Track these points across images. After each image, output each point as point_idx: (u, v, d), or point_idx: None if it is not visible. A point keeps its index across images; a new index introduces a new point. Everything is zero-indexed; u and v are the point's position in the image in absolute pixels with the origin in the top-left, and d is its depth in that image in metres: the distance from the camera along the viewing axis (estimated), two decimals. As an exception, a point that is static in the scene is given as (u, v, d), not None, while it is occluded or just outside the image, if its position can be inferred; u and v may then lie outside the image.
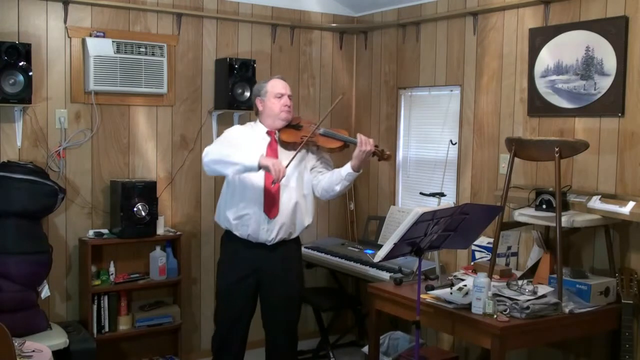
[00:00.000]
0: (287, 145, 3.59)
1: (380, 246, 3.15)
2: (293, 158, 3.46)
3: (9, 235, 3.79)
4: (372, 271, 4.30)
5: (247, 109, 4.54)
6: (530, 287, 3.27)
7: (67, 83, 4.21)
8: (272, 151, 3.58)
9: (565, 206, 3.46)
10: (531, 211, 3.53)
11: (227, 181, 3.62)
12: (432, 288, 3.50)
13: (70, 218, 4.29)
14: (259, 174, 3.47)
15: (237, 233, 3.58)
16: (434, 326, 3.58)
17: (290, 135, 3.61)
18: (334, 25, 5.20)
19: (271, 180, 3.36)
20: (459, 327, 3.24)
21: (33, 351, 2.89)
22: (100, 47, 4.18)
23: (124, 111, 4.42)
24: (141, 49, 4.29)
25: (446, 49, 4.51)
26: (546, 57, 3.82)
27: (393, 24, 4.92)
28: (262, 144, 3.60)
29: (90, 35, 4.21)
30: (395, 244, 2.94)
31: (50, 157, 4.17)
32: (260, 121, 3.69)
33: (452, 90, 4.50)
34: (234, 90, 4.51)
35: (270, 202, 3.50)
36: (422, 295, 3.22)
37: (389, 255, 3.01)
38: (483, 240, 4.03)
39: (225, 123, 4.65)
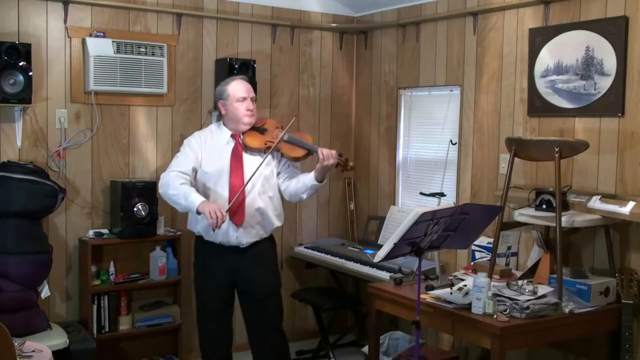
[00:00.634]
0: (252, 151, 3.58)
1: (380, 246, 3.15)
2: (257, 169, 3.46)
3: (9, 235, 3.79)
4: (372, 271, 4.30)
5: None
6: (530, 287, 3.27)
7: (67, 83, 4.21)
8: (236, 158, 3.55)
9: (565, 206, 3.45)
10: (531, 211, 3.53)
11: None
12: (432, 288, 3.50)
13: (70, 218, 4.29)
14: (222, 183, 3.49)
15: (208, 239, 3.60)
16: (434, 326, 3.58)
17: (254, 140, 3.59)
18: (334, 25, 5.20)
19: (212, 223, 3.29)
20: (459, 327, 3.24)
21: (33, 351, 2.89)
22: (100, 47, 4.18)
23: (124, 111, 4.42)
24: (141, 49, 4.29)
25: (446, 49, 4.51)
26: (546, 57, 3.82)
27: (393, 24, 4.92)
28: (226, 148, 3.58)
29: (90, 35, 4.21)
30: (395, 244, 2.94)
31: (50, 157, 4.17)
32: (224, 123, 3.66)
33: (452, 90, 4.50)
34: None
35: (236, 209, 3.47)
36: (422, 295, 3.22)
37: (389, 255, 3.01)
38: (483, 240, 4.03)
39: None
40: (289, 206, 4.57)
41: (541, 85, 3.85)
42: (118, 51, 4.21)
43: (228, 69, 4.50)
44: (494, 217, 3.34)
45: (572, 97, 3.69)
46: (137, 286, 4.37)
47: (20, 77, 3.87)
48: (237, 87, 3.59)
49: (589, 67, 3.60)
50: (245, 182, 3.47)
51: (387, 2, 4.89)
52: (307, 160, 3.72)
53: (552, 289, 3.28)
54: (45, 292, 3.96)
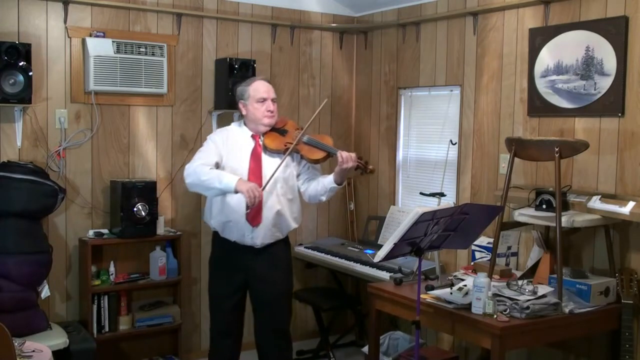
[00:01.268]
0: (271, 152, 3.57)
1: (380, 246, 3.15)
2: (277, 170, 3.45)
3: (9, 235, 3.79)
4: (372, 271, 4.30)
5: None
6: (530, 287, 3.27)
7: (67, 83, 4.21)
8: (255, 158, 3.55)
9: (565, 206, 3.45)
10: (531, 211, 3.53)
11: None
12: (432, 288, 3.50)
13: (70, 218, 4.29)
14: (240, 177, 3.46)
15: (224, 236, 3.60)
16: (434, 326, 3.58)
17: (274, 142, 3.57)
18: (334, 25, 5.20)
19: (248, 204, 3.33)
20: (459, 327, 3.24)
21: (33, 351, 2.89)
22: (100, 47, 4.18)
23: (124, 111, 4.42)
24: (141, 49, 4.29)
25: (446, 49, 4.51)
26: (546, 57, 3.82)
27: (393, 24, 4.92)
28: (246, 149, 3.57)
29: (90, 35, 4.21)
30: (395, 244, 2.94)
31: (50, 157, 4.17)
32: (244, 124, 3.66)
33: (452, 90, 4.50)
34: (234, 90, 4.50)
35: (254, 210, 3.45)
36: (422, 295, 3.22)
37: (389, 255, 3.01)
38: (483, 240, 4.03)
39: (225, 123, 4.61)
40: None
41: (541, 85, 3.85)
42: (118, 51, 4.21)
43: (228, 69, 4.50)
44: (494, 217, 3.34)
45: (572, 97, 3.69)
46: (137, 286, 4.37)
47: (20, 77, 3.87)
48: (258, 88, 3.58)
49: (589, 67, 3.60)
50: (264, 184, 3.45)
51: (387, 2, 4.89)
52: (327, 162, 3.72)
53: (552, 289, 3.28)
54: (45, 292, 3.96)
